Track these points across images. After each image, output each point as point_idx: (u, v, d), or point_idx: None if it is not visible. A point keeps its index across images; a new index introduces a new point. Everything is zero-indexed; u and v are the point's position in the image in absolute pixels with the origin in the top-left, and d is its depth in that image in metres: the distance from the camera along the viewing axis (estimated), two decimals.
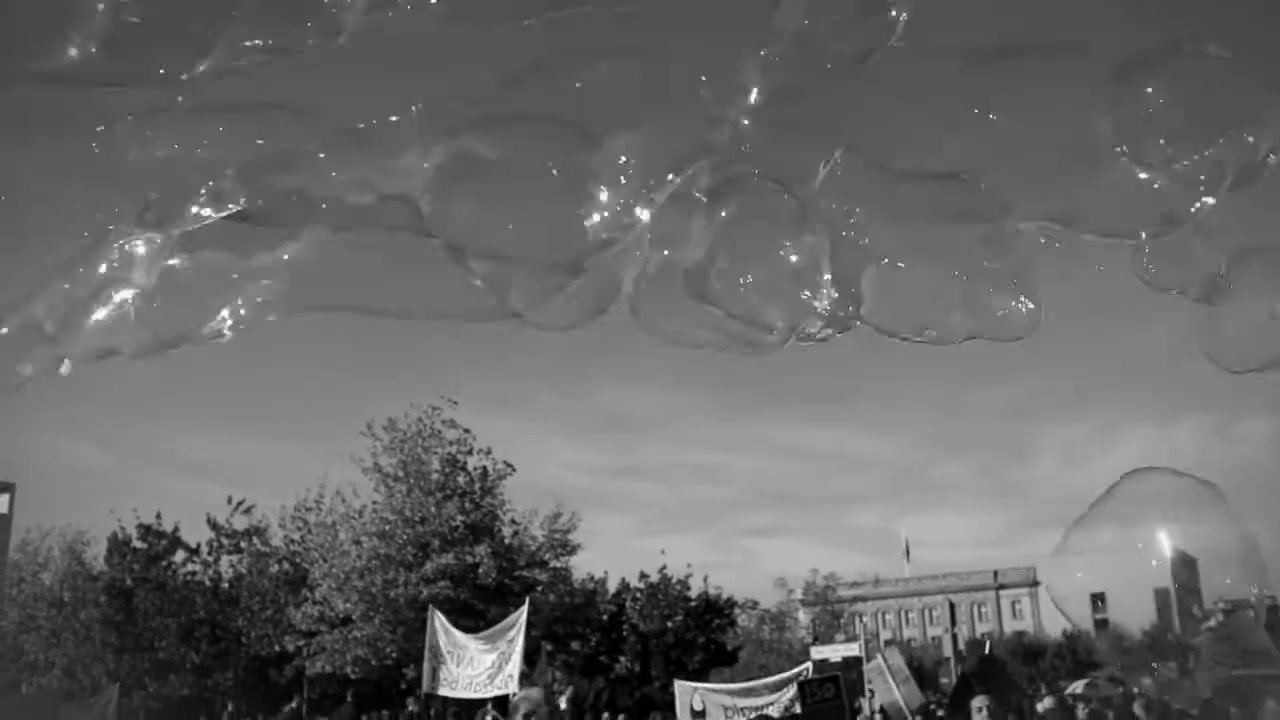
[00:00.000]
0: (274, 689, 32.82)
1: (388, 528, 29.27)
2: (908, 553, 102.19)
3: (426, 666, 18.65)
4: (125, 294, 3.96)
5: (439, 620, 18.92)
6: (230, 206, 3.63)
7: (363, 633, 28.76)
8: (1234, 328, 4.65)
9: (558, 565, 32.56)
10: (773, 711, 14.54)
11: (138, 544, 36.20)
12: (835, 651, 38.94)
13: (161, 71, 3.14)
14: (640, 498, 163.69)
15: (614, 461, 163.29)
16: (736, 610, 43.28)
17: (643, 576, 39.43)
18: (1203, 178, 3.93)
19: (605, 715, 23.71)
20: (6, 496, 62.19)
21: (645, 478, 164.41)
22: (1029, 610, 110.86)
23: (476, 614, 27.26)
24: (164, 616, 34.38)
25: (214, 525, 36.10)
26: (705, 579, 40.47)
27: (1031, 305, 4.54)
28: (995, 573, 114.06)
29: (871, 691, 18.31)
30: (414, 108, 3.75)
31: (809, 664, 17.27)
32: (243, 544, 36.13)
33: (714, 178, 4.00)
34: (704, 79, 3.73)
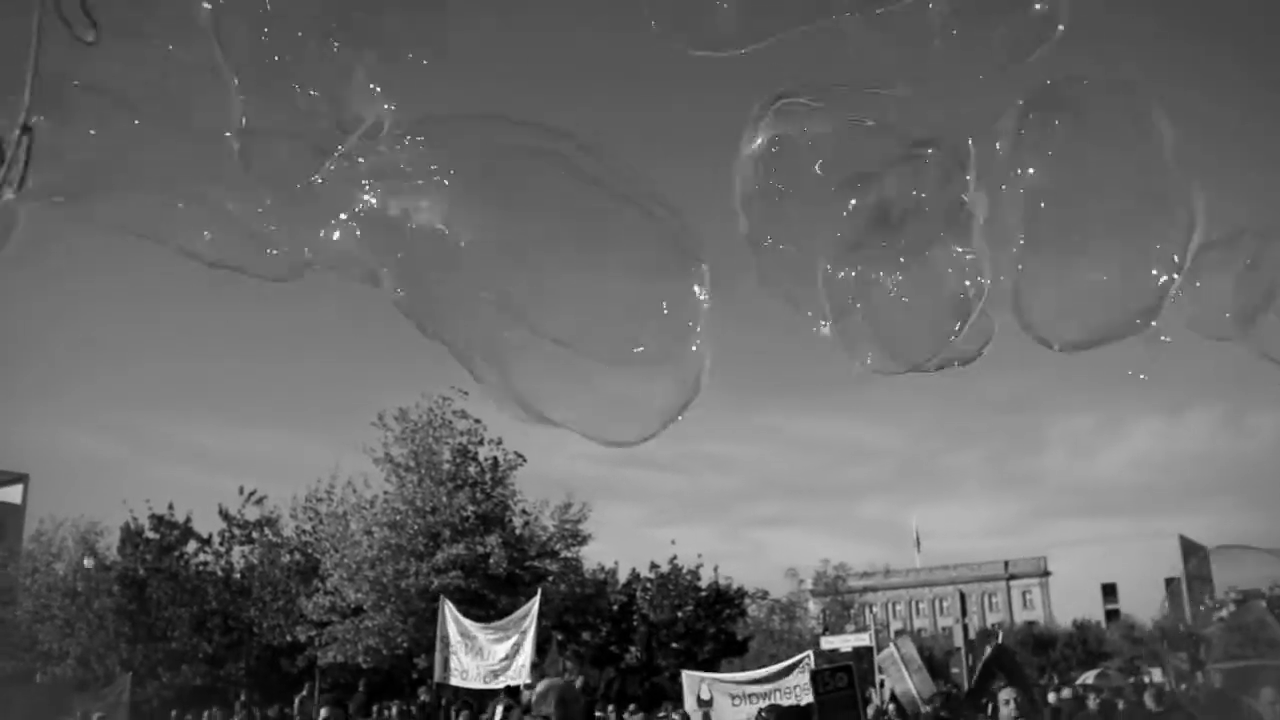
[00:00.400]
0: (286, 679, 32.93)
1: (399, 518, 29.36)
2: (918, 543, 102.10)
3: (438, 656, 18.74)
4: None
5: (449, 610, 18.99)
6: None
7: (374, 622, 28.87)
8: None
9: (568, 555, 32.63)
10: (781, 700, 14.55)
11: (150, 534, 36.37)
12: (846, 642, 39.03)
13: None
14: (651, 488, 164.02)
15: (624, 452, 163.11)
16: (747, 600, 43.28)
17: (653, 567, 39.44)
18: None
19: (611, 708, 23.70)
20: (20, 487, 62.90)
21: (655, 468, 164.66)
22: (1039, 600, 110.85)
23: (487, 604, 27.34)
24: (176, 607, 34.56)
25: (226, 516, 36.27)
26: (715, 569, 40.44)
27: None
28: (1006, 563, 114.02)
29: (883, 681, 18.32)
30: None
31: (809, 653, 17.25)
32: (254, 534, 36.27)
33: None
34: None
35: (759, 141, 3.97)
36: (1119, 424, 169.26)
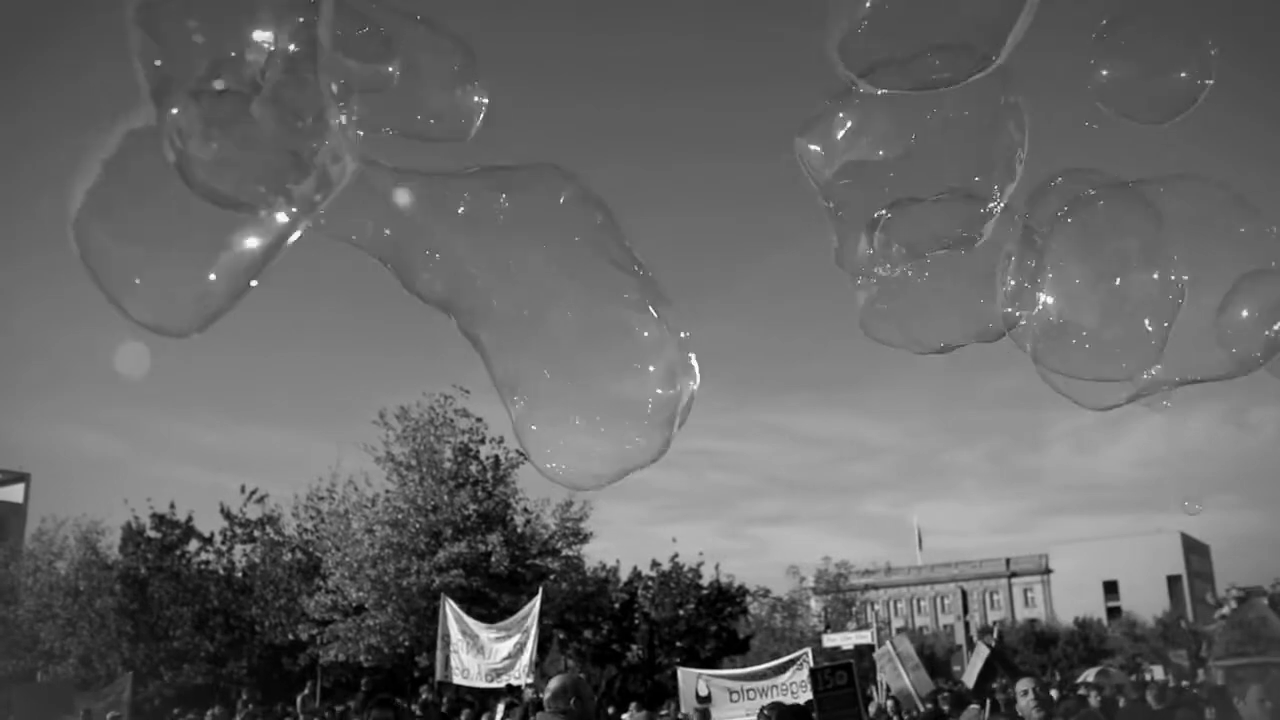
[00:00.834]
0: (288, 677, 32.95)
1: (400, 516, 29.36)
2: (920, 541, 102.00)
3: (439, 655, 18.74)
4: None
5: (451, 608, 19.00)
6: None
7: (376, 621, 28.88)
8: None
9: (570, 554, 32.62)
10: (782, 697, 14.54)
11: (152, 533, 36.37)
12: (847, 639, 39.00)
13: None
14: (652, 486, 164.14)
15: None
16: (748, 598, 43.31)
17: (654, 565, 39.47)
18: None
19: (612, 709, 23.69)
20: (21, 486, 62.99)
21: (657, 466, 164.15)
22: (1041, 598, 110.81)
23: (489, 602, 27.35)
24: (178, 605, 34.57)
25: (227, 514, 36.27)
26: (717, 567, 40.46)
27: None
28: (1007, 560, 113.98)
29: (882, 679, 18.32)
30: None
31: (807, 650, 17.24)
32: (256, 533, 36.28)
33: None
34: None
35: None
36: (1121, 421, 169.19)
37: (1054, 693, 24.80)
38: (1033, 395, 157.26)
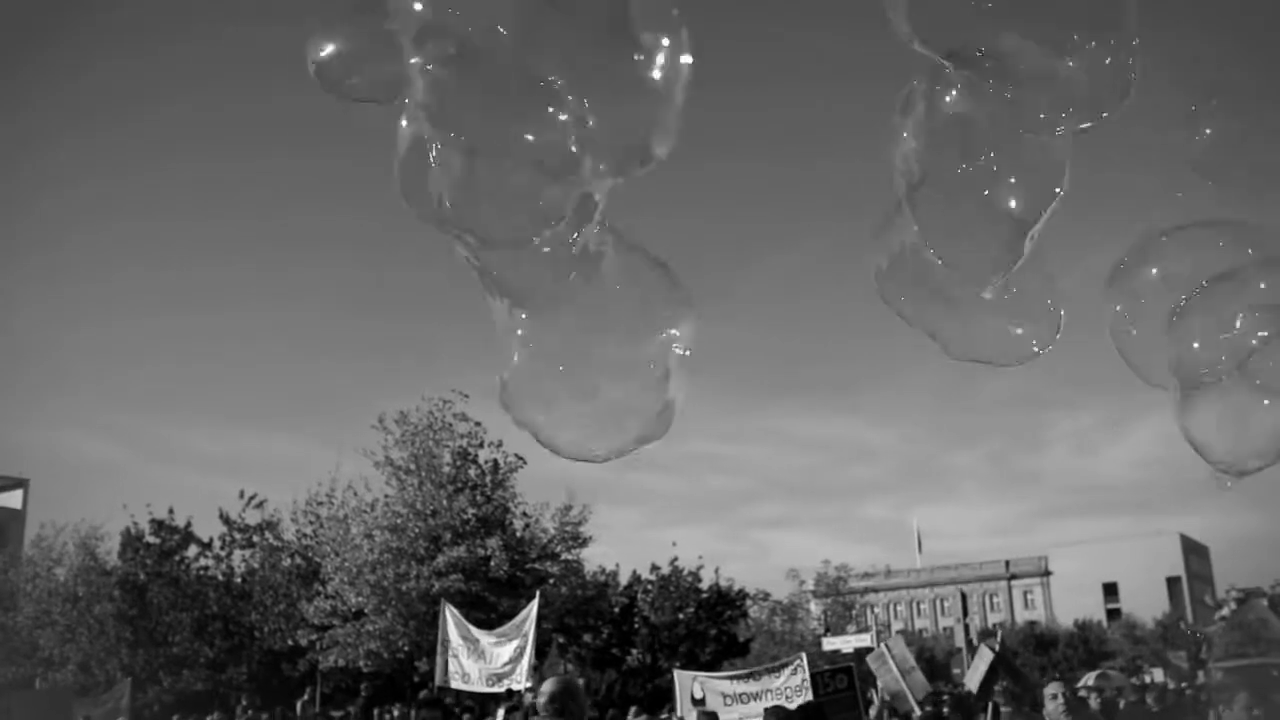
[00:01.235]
0: (287, 683, 32.91)
1: (399, 521, 29.31)
2: (920, 543, 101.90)
3: (439, 660, 18.71)
4: None
5: (451, 613, 18.96)
6: None
7: (375, 626, 28.82)
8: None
9: (569, 558, 32.57)
10: (777, 701, 14.51)
11: (151, 539, 36.31)
12: (847, 642, 39.00)
13: None
14: (651, 490, 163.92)
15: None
16: (748, 602, 43.27)
17: (654, 568, 39.43)
18: None
19: (612, 712, 23.64)
20: (20, 492, 62.91)
21: (656, 469, 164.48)
22: (1041, 600, 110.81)
23: (488, 606, 27.31)
24: (177, 611, 34.50)
25: (226, 520, 36.19)
26: (716, 571, 40.42)
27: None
28: (1007, 562, 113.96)
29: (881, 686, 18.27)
30: None
31: (802, 654, 17.19)
32: (255, 538, 36.21)
33: None
34: None
35: None
36: (1121, 422, 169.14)
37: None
38: (1032, 397, 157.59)
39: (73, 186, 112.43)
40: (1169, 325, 4.65)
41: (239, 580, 36.28)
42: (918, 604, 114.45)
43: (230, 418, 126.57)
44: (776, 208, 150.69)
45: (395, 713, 23.25)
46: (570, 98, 3.32)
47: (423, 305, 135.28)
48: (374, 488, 31.17)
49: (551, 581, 30.00)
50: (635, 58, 3.42)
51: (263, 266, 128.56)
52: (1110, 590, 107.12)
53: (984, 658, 14.20)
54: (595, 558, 34.24)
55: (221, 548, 36.62)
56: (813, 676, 14.82)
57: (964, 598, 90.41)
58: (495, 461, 31.41)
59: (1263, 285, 4.40)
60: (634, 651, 37.66)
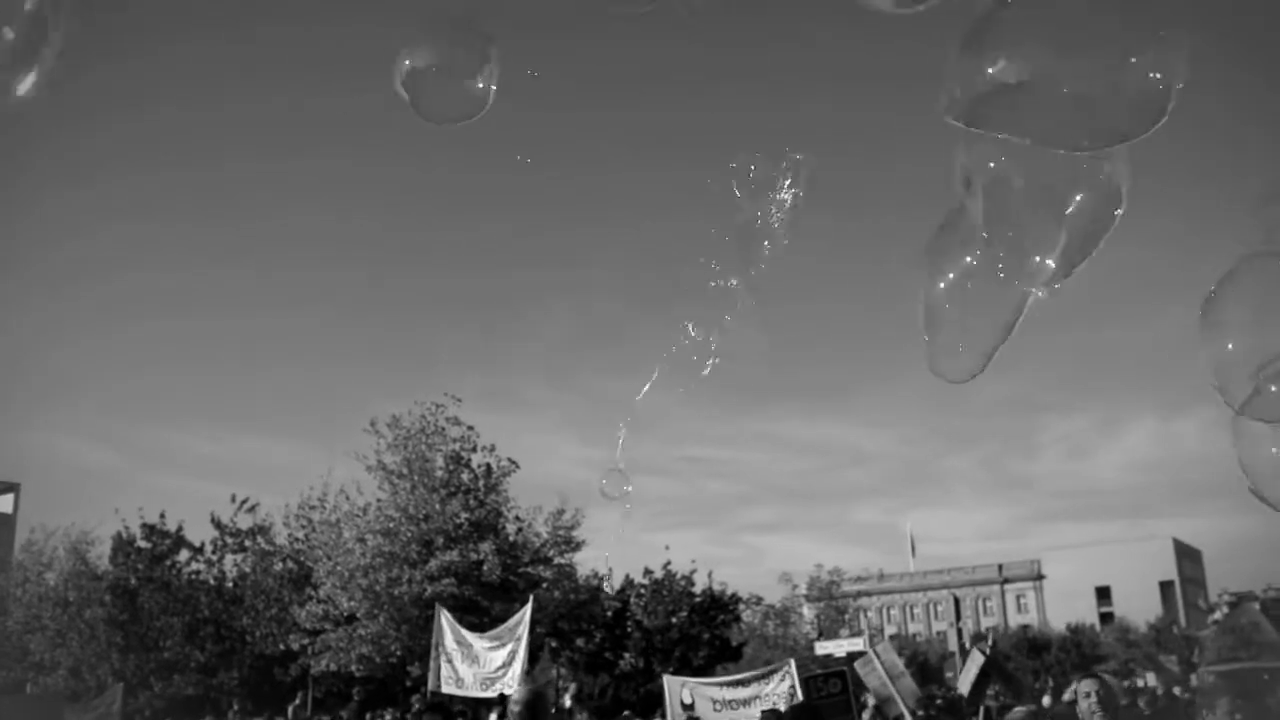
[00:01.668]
0: (279, 687, 32.84)
1: (392, 525, 29.27)
2: (913, 547, 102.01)
3: (432, 665, 18.66)
4: None
5: (445, 618, 18.92)
6: None
7: (367, 630, 28.76)
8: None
9: (562, 562, 32.54)
10: (765, 707, 14.51)
11: (142, 543, 36.22)
12: (839, 646, 39.08)
13: None
14: (644, 494, 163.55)
15: (617, 458, 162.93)
16: (741, 606, 43.24)
17: (647, 573, 39.41)
18: None
19: (585, 715, 23.62)
20: (11, 496, 62.64)
21: (649, 473, 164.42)
22: (1034, 604, 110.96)
23: (481, 611, 27.27)
24: (169, 616, 34.40)
25: (218, 524, 36.12)
26: (710, 575, 40.47)
27: None
28: (1000, 566, 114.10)
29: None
30: None
31: (790, 660, 17.19)
32: (247, 543, 36.13)
33: None
34: None
35: None
36: (1114, 426, 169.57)
37: (1047, 700, 24.83)
38: (1025, 401, 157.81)
39: (68, 190, 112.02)
40: None
41: (231, 585, 36.19)
42: (911, 608, 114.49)
43: (222, 422, 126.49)
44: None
45: (387, 717, 23.21)
46: None
47: (416, 310, 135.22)
48: (366, 492, 31.18)
49: (544, 586, 29.96)
50: None
51: (255, 271, 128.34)
52: (1103, 594, 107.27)
53: (975, 662, 14.21)
54: (587, 562, 34.22)
55: (213, 552, 36.57)
56: (806, 680, 14.81)
57: (957, 602, 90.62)
58: (488, 466, 31.42)
59: None
60: (626, 655, 37.60)
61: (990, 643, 20.41)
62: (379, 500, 30.42)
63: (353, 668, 29.13)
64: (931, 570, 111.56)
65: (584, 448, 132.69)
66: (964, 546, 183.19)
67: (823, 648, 40.38)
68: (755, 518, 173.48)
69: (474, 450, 31.33)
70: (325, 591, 29.49)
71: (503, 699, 17.01)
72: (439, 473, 30.52)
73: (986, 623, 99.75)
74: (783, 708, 13.66)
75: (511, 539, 31.31)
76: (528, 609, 17.56)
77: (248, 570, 35.96)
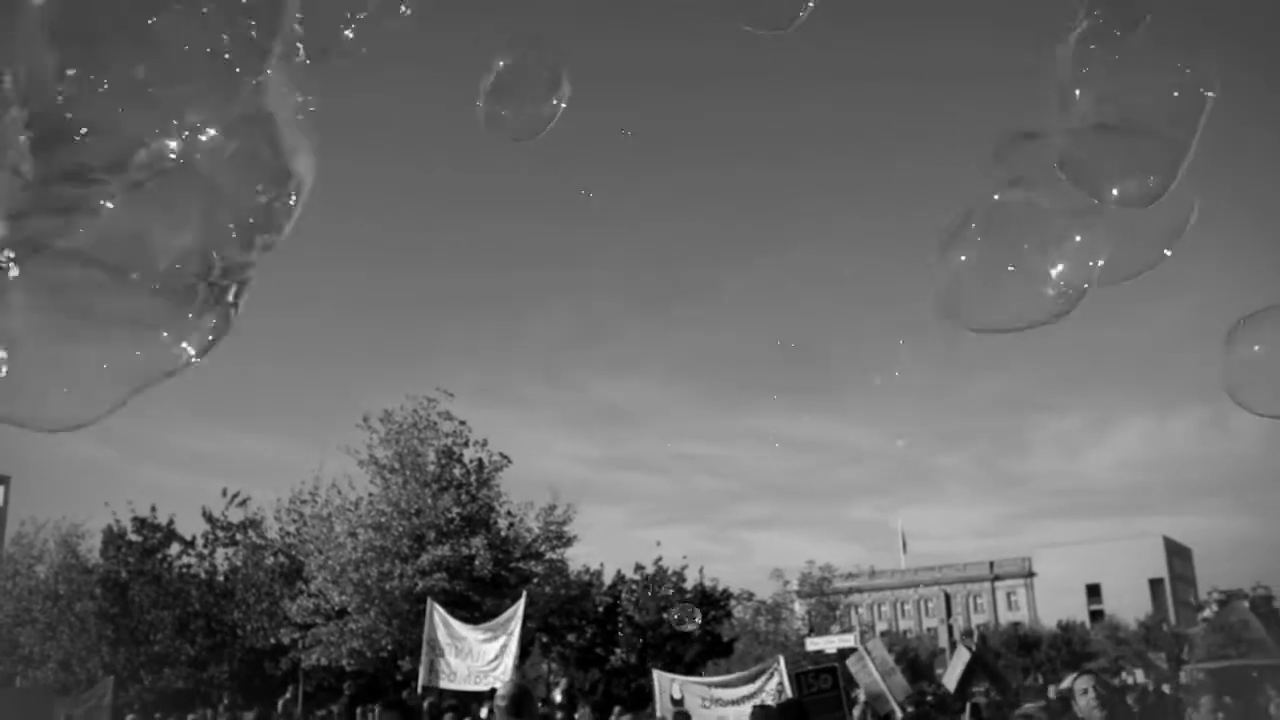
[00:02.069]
0: (270, 681, 32.77)
1: (383, 520, 29.23)
2: (904, 544, 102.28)
3: (424, 659, 18.64)
4: None
5: (438, 613, 18.90)
6: None
7: (358, 625, 28.73)
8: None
9: (554, 557, 32.52)
10: (767, 700, 14.53)
11: (133, 537, 36.11)
12: (830, 643, 39.11)
13: None
14: (636, 489, 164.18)
15: (609, 453, 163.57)
16: (732, 602, 43.31)
17: (638, 568, 39.43)
18: None
19: (586, 710, 23.65)
20: (1, 489, 62.25)
21: (641, 469, 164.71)
22: (1024, 601, 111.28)
23: (472, 605, 27.24)
24: (159, 609, 34.31)
25: (209, 518, 36.03)
26: (701, 570, 40.51)
27: None
28: (991, 564, 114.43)
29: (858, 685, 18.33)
30: None
31: (780, 658, 17.21)
32: (238, 536, 36.04)
33: None
34: None
35: None
36: (1105, 424, 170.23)
37: (1052, 691, 24.83)
38: (1018, 399, 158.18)
39: None
40: None
41: (221, 578, 36.11)
42: (902, 605, 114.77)
43: (214, 416, 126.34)
44: (763, 209, 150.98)
45: (378, 711, 23.19)
46: None
47: (408, 305, 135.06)
48: (358, 486, 31.12)
49: (536, 581, 29.94)
50: None
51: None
52: (1094, 592, 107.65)
53: (961, 658, 14.28)
54: (579, 557, 34.23)
55: (204, 546, 36.46)
56: (797, 676, 14.83)
57: (948, 599, 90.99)
58: (480, 460, 31.37)
59: None
60: (618, 651, 37.62)
61: (975, 638, 20.47)
62: (370, 495, 30.38)
63: (344, 662, 29.09)
64: (923, 567, 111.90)
65: (577, 444, 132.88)
66: (956, 544, 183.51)
67: (814, 644, 40.39)
68: (747, 514, 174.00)
69: (466, 445, 31.30)
70: (316, 586, 29.44)
71: (493, 693, 17.03)
72: (431, 467, 30.48)
73: (977, 620, 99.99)
74: (772, 704, 13.68)
75: (503, 534, 31.29)
76: (520, 604, 17.57)
77: (239, 564, 35.89)
